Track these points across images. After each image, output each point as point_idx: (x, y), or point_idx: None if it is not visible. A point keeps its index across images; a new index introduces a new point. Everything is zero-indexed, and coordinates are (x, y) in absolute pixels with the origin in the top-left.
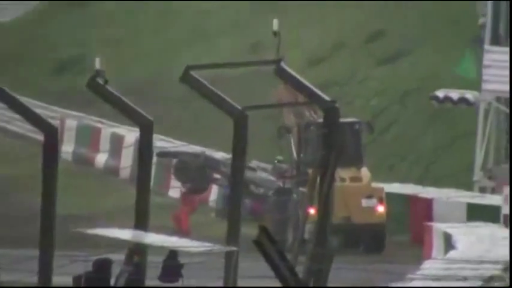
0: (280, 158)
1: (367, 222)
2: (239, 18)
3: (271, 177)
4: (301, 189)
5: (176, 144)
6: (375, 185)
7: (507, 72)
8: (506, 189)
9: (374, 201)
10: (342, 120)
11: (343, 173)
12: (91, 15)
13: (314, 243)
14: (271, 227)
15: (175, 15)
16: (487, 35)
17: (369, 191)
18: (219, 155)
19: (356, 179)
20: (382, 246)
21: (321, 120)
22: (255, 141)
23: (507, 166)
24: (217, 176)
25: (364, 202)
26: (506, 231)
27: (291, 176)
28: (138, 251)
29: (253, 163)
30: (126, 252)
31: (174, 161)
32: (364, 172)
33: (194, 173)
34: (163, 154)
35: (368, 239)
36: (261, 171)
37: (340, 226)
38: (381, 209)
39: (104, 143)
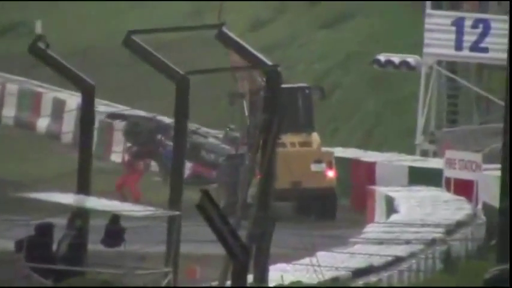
0: (232, 126)
1: (317, 186)
2: None
3: (223, 145)
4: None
5: (119, 108)
6: (324, 149)
7: (448, 36)
8: (448, 153)
9: (323, 165)
10: (291, 85)
11: (293, 138)
12: None
13: (257, 208)
14: (224, 191)
15: None
16: None
17: (318, 156)
18: (169, 120)
19: (305, 143)
20: (334, 213)
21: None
22: (195, 105)
23: (448, 130)
24: (167, 140)
25: (313, 167)
26: (448, 195)
27: (242, 142)
28: (80, 215)
29: (203, 130)
30: (69, 216)
31: (124, 123)
32: (314, 137)
33: (145, 136)
34: (114, 116)
35: (319, 205)
36: (212, 138)
37: (290, 191)
38: (330, 173)
39: (46, 107)
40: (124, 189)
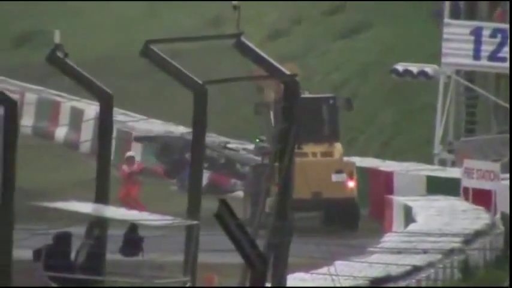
0: (262, 137)
1: (338, 197)
2: None
3: (255, 157)
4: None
5: (136, 118)
6: (346, 160)
7: (466, 46)
8: (466, 162)
9: (344, 176)
10: (316, 95)
11: (314, 148)
12: None
13: (274, 217)
14: (249, 201)
15: None
16: (447, 8)
17: (339, 166)
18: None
19: (327, 153)
20: (356, 223)
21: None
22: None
23: (466, 139)
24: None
25: (334, 177)
26: (466, 204)
27: (268, 152)
28: (98, 224)
29: (233, 144)
30: (87, 225)
31: (154, 145)
32: (337, 147)
33: (176, 155)
34: (140, 139)
35: (341, 216)
36: (243, 151)
37: (310, 201)
38: (351, 184)
39: (64, 117)
40: (128, 199)
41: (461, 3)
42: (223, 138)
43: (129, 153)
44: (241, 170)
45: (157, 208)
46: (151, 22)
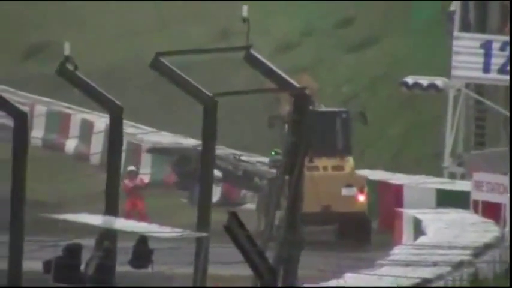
0: (278, 150)
1: (347, 211)
2: (208, 5)
3: (272, 170)
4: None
5: (146, 130)
6: (357, 174)
7: (476, 59)
8: (476, 175)
9: (354, 190)
10: (329, 109)
11: (326, 162)
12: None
13: (284, 230)
14: (263, 214)
15: (141, 2)
16: (457, 21)
17: (349, 180)
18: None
19: (338, 167)
20: (368, 237)
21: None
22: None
23: (476, 152)
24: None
25: (344, 191)
26: (475, 217)
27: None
28: (108, 236)
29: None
30: (96, 237)
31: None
32: (348, 161)
33: (192, 167)
34: (155, 150)
35: (352, 230)
36: (259, 164)
37: (320, 215)
38: (361, 198)
39: (74, 129)
40: (134, 213)
41: (471, 16)
42: (233, 151)
43: (130, 168)
44: (259, 183)
45: (167, 220)
46: (161, 34)
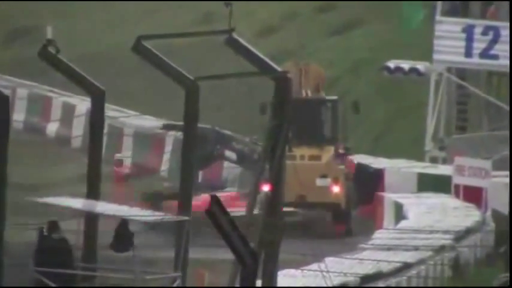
0: (255, 136)
1: (321, 201)
2: None
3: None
4: None
5: (129, 114)
6: (335, 165)
7: (458, 43)
8: (457, 160)
9: (328, 180)
10: (317, 97)
11: (304, 151)
12: None
13: (265, 214)
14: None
15: None
16: (440, 5)
17: (324, 171)
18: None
19: (315, 157)
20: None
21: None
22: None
23: (458, 136)
24: (225, 150)
25: (319, 181)
26: (457, 202)
27: None
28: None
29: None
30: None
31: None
32: (326, 151)
33: (206, 147)
34: (169, 127)
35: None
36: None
37: (295, 205)
38: (336, 189)
39: (56, 112)
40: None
41: (455, 1)
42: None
43: (117, 156)
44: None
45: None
46: (144, 20)
